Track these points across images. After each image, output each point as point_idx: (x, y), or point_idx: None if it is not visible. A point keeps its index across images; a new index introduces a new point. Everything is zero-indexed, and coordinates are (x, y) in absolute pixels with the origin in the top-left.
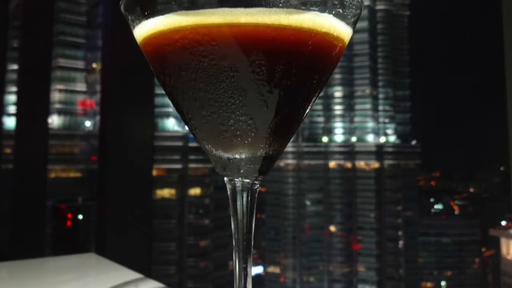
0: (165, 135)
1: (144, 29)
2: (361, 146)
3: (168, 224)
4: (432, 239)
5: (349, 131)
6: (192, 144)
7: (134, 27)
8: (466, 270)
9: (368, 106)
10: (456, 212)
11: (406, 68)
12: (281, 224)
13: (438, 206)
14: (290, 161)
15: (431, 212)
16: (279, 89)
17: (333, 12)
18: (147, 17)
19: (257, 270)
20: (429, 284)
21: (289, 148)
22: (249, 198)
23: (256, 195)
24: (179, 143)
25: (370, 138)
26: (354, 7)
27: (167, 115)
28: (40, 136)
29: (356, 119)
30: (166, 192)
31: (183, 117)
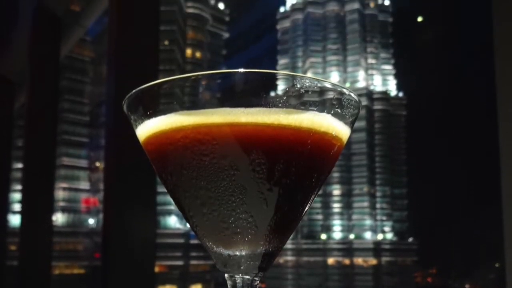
0: (167, 232)
1: (146, 129)
2: (359, 243)
3: None
4: None
5: (347, 229)
6: (194, 241)
7: (136, 126)
8: None
9: (366, 204)
10: None
11: (403, 167)
12: None
13: None
14: (289, 258)
15: None
16: (279, 187)
17: (332, 112)
18: (149, 116)
19: None
20: None
21: (289, 245)
22: None
23: None
24: (181, 240)
25: (368, 235)
26: (352, 107)
27: (169, 212)
28: (45, 233)
29: (354, 216)
30: None
31: (185, 215)
